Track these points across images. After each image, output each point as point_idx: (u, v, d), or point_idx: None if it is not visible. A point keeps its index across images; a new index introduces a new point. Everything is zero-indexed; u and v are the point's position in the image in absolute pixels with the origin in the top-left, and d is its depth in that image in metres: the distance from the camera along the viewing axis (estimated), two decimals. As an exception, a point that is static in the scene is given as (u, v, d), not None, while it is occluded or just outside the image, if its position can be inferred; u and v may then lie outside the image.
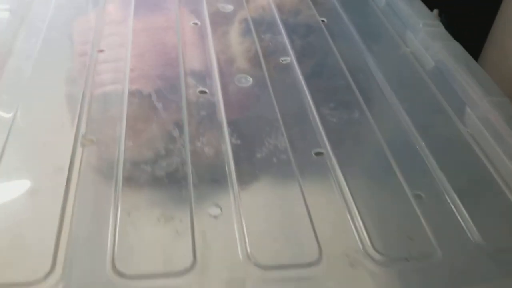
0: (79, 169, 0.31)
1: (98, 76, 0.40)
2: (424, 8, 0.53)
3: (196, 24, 0.48)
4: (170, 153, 0.33)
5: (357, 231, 0.30)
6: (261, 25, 0.49)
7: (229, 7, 0.51)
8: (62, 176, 0.30)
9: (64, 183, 0.30)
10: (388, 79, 0.43)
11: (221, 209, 0.31)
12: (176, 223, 0.29)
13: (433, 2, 0.95)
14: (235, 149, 0.34)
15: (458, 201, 0.33)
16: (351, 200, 0.32)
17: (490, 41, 0.88)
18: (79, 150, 0.33)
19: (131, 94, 0.38)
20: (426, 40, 0.49)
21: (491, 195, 0.34)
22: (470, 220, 0.31)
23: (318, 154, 0.35)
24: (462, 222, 0.31)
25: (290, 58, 0.45)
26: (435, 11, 0.95)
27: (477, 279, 0.29)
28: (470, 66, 0.45)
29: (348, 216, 0.31)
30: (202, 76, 0.41)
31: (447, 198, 0.33)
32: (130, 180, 0.31)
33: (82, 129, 0.34)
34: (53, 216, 0.28)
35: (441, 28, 0.50)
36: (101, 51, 0.42)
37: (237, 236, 0.29)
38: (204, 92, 0.39)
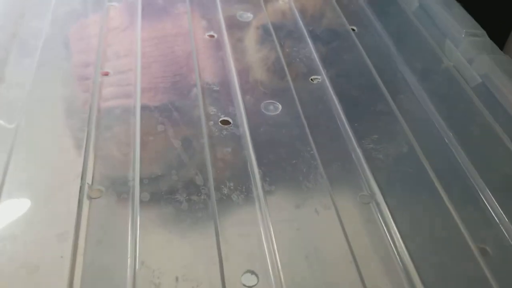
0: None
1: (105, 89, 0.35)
2: (464, 13, 0.48)
3: (212, 36, 0.42)
4: (193, 204, 0.28)
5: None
6: (285, 38, 0.43)
7: (248, 16, 0.45)
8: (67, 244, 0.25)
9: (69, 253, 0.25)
10: (432, 99, 0.38)
11: (257, 278, 0.26)
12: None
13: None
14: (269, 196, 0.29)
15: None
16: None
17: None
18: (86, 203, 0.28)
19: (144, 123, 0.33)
20: (470, 52, 0.43)
21: None
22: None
23: (364, 199, 0.30)
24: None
25: (322, 77, 0.39)
26: None
27: None
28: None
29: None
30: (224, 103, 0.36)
31: (521, 256, 0.28)
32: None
33: (89, 179, 0.29)
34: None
35: (485, 38, 0.45)
36: (107, 73, 0.37)
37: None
38: (228, 123, 0.34)
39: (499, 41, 0.88)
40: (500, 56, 0.43)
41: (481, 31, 0.45)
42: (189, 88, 0.37)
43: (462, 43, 0.44)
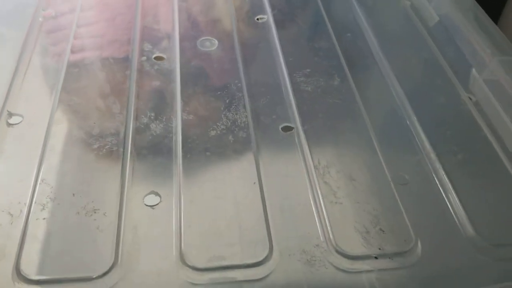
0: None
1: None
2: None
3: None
4: (107, 129, 0.29)
5: (322, 226, 0.25)
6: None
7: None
8: None
9: None
10: (380, 38, 0.37)
11: (160, 198, 0.26)
12: (100, 217, 0.24)
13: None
14: (186, 125, 0.29)
15: (449, 185, 0.27)
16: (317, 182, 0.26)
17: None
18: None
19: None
20: (431, -9, 0.41)
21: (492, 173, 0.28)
22: (462, 210, 0.26)
23: (287, 129, 0.30)
24: (452, 213, 0.26)
25: (267, 16, 0.39)
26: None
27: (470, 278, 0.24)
28: (480, 20, 0.38)
29: (314, 208, 0.26)
30: (160, 38, 0.36)
31: (436, 181, 0.27)
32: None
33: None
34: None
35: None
36: (49, 14, 0.37)
37: (174, 230, 0.24)
38: (161, 59, 0.34)
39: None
40: None
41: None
42: (129, 25, 0.37)
43: (424, -17, 0.42)
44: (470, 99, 0.33)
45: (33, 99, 0.30)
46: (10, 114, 0.29)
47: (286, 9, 0.39)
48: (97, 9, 0.38)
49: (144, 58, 0.34)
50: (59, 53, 0.34)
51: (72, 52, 0.34)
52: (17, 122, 0.29)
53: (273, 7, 0.39)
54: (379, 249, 0.24)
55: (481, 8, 0.39)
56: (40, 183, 0.25)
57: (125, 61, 0.33)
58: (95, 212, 0.24)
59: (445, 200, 0.26)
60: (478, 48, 0.36)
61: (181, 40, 0.35)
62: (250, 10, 0.39)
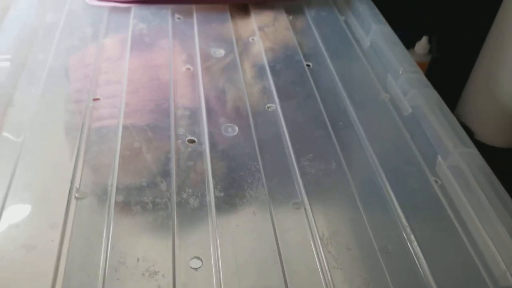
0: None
1: (96, 111, 0.43)
2: (405, 52, 0.56)
3: (188, 69, 0.51)
4: (158, 205, 0.36)
5: (327, 286, 0.33)
6: (250, 71, 0.52)
7: (221, 52, 0.54)
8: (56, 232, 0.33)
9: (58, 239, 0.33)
10: (365, 126, 0.46)
11: (202, 262, 0.33)
12: (160, 278, 0.32)
13: (423, 29, 0.99)
14: (218, 201, 0.37)
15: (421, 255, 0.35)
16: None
17: (477, 67, 0.91)
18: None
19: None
20: (405, 86, 0.51)
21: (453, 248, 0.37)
22: (430, 277, 0.34)
23: (296, 205, 0.38)
24: (423, 277, 0.34)
25: (275, 105, 0.47)
26: (425, 37, 0.98)
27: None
28: (445, 114, 0.48)
29: (320, 272, 0.34)
30: (191, 125, 0.44)
31: (412, 252, 0.36)
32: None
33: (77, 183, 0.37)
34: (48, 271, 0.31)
35: (420, 75, 0.53)
36: (97, 99, 0.45)
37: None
38: (193, 141, 0.42)
39: (463, 74, 0.97)
40: (429, 90, 0.51)
41: (417, 69, 0.54)
42: (166, 111, 0.45)
43: (400, 78, 0.52)
44: (436, 182, 0.42)
45: (93, 175, 0.38)
46: (78, 190, 0.36)
47: (290, 100, 0.48)
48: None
49: (179, 141, 0.42)
50: (111, 132, 0.41)
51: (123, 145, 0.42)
52: (83, 197, 0.36)
53: (280, 98, 0.48)
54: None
55: (444, 104, 0.49)
56: (110, 250, 0.33)
57: (167, 144, 0.41)
58: (156, 274, 0.32)
59: (418, 268, 0.35)
60: (443, 138, 0.45)
61: (208, 126, 0.44)
62: (261, 99, 0.48)
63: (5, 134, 0.40)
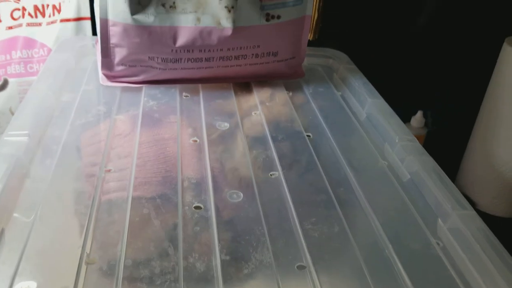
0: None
1: (107, 184, 0.45)
2: (400, 123, 0.59)
3: (195, 141, 0.54)
4: (166, 268, 0.37)
5: None
6: (253, 142, 0.55)
7: (225, 125, 0.57)
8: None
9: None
10: (365, 191, 0.48)
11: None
12: None
13: (418, 104, 1.03)
14: (224, 264, 0.38)
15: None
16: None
17: (473, 138, 0.94)
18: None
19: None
20: (402, 153, 0.54)
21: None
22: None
23: (301, 268, 0.39)
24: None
25: (278, 173, 0.50)
26: (419, 112, 1.02)
27: None
28: (441, 179, 0.50)
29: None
30: (198, 191, 0.46)
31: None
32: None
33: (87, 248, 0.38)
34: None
35: (416, 143, 0.55)
36: (109, 170, 0.48)
37: None
38: (199, 208, 0.44)
39: (460, 146, 0.99)
40: (425, 157, 0.53)
41: (412, 137, 0.56)
42: (174, 181, 0.47)
43: (397, 146, 0.55)
44: (438, 244, 0.43)
45: (103, 242, 0.39)
46: (88, 256, 0.38)
47: (292, 168, 0.51)
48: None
49: (186, 207, 0.44)
50: (120, 204, 0.43)
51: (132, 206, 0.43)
52: (93, 263, 0.37)
53: (282, 166, 0.50)
54: None
55: (441, 169, 0.51)
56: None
57: (174, 211, 0.43)
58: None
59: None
60: (442, 201, 0.47)
61: (214, 193, 0.45)
62: (264, 167, 0.51)
63: (21, 201, 0.42)
